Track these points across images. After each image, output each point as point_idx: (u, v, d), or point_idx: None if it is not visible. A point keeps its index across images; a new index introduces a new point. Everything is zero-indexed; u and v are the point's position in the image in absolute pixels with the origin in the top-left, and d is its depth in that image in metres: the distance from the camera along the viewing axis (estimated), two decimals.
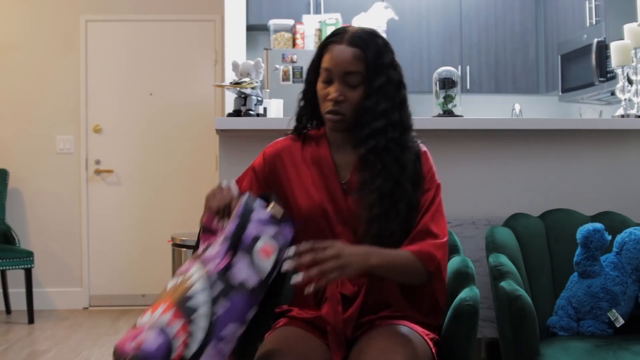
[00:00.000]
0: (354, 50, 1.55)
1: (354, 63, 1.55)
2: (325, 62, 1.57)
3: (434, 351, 1.58)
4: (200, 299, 1.34)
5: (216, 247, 1.43)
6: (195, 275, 1.38)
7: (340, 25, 4.63)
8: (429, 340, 1.59)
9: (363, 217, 1.55)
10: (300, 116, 1.69)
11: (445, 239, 1.58)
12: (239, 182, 1.72)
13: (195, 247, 1.56)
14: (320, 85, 1.60)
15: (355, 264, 1.41)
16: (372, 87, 1.55)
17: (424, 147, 1.67)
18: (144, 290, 5.00)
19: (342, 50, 1.55)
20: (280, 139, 1.74)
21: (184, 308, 1.32)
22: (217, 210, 1.49)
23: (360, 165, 1.58)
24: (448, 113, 2.61)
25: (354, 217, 1.57)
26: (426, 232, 1.56)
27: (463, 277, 1.79)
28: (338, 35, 1.59)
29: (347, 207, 1.60)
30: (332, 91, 1.56)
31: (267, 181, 1.69)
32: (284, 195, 1.64)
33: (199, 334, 1.32)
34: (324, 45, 1.60)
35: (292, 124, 1.72)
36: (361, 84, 1.56)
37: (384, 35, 1.75)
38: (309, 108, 1.67)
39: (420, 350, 1.50)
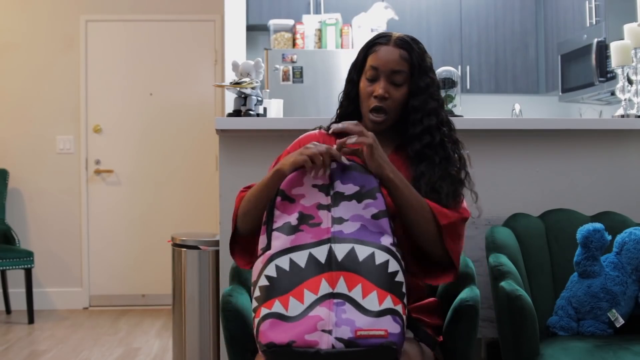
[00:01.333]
0: (401, 51, 1.65)
1: (401, 63, 1.64)
2: (373, 61, 1.66)
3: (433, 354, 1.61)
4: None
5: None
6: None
7: (340, 25, 4.64)
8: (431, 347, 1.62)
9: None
10: (342, 115, 1.76)
11: (465, 215, 1.63)
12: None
13: (268, 215, 1.49)
14: (364, 83, 1.68)
15: (382, 154, 1.52)
16: (418, 87, 1.65)
17: None
18: (144, 290, 5.01)
19: (390, 51, 1.65)
20: (314, 132, 1.78)
21: (388, 285, 1.37)
22: (318, 159, 1.47)
23: (413, 160, 1.65)
24: (448, 113, 2.60)
25: None
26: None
27: (463, 277, 1.79)
28: (383, 38, 1.68)
29: None
30: (378, 88, 1.64)
31: None
32: None
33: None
34: (370, 47, 1.68)
35: (329, 123, 1.77)
36: (405, 83, 1.65)
37: None
38: (352, 106, 1.74)
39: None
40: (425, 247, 1.58)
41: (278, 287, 1.36)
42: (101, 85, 5.08)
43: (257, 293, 1.38)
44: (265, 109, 2.75)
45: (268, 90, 3.87)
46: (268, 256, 1.42)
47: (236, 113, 2.57)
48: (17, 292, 4.68)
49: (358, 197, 1.47)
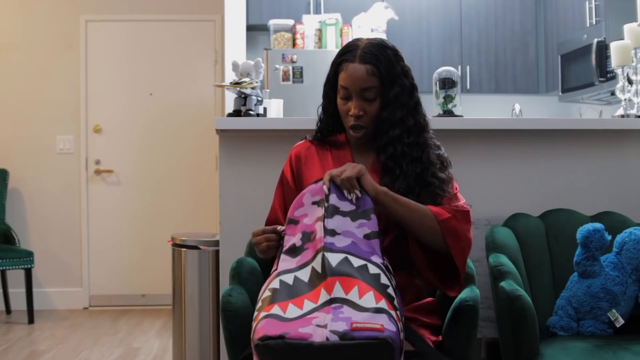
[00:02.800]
0: (367, 66, 1.66)
1: (369, 79, 1.66)
2: (342, 81, 1.68)
3: None
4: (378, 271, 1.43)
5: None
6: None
7: (340, 25, 4.63)
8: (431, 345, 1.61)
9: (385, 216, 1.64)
10: (322, 129, 1.82)
11: (465, 209, 1.68)
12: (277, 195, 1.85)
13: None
14: (340, 101, 1.72)
15: (368, 175, 1.58)
16: (388, 98, 1.67)
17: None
18: (144, 290, 5.01)
19: (356, 68, 1.66)
20: (301, 142, 1.86)
21: (378, 286, 1.39)
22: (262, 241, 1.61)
23: (381, 172, 1.70)
24: (448, 113, 2.61)
25: None
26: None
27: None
28: (350, 53, 1.68)
29: None
30: (352, 107, 1.68)
31: (295, 180, 1.79)
32: None
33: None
34: (338, 64, 1.70)
35: (312, 134, 1.84)
36: (377, 96, 1.68)
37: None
38: (331, 121, 1.79)
39: None
40: (440, 251, 1.66)
41: (279, 297, 1.39)
42: (101, 85, 5.08)
43: (259, 304, 1.41)
44: (265, 109, 2.75)
45: (268, 90, 3.87)
46: (275, 274, 1.46)
47: (236, 113, 2.57)
48: (17, 292, 4.68)
49: (353, 215, 1.51)
